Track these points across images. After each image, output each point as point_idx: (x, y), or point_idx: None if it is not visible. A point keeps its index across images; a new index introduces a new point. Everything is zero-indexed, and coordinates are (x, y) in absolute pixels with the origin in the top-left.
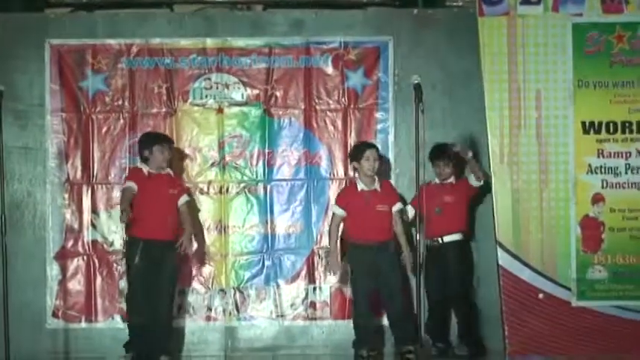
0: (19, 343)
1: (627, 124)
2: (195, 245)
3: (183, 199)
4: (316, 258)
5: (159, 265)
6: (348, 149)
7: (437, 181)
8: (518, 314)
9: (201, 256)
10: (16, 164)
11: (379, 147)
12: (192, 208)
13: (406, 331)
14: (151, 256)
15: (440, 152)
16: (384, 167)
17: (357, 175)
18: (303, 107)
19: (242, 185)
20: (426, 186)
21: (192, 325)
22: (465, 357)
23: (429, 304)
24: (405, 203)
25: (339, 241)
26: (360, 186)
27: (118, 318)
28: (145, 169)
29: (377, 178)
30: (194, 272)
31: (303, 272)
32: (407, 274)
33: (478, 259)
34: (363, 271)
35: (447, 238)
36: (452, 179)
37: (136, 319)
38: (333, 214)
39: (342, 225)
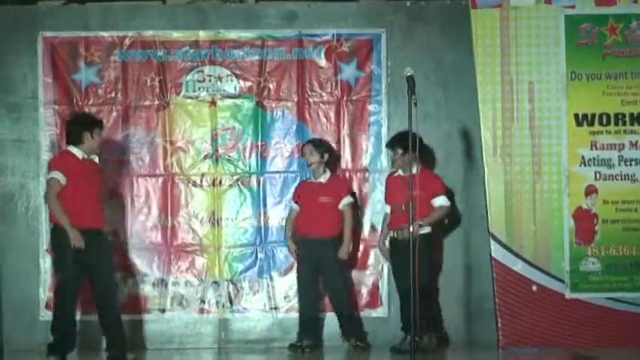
0: (13, 335)
1: (620, 116)
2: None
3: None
4: None
5: (95, 256)
6: (342, 141)
7: (400, 172)
8: (511, 306)
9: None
10: (10, 157)
11: (372, 139)
12: None
13: (351, 325)
14: (88, 246)
15: (397, 141)
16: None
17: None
18: (296, 99)
19: (235, 177)
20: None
21: (185, 317)
22: (429, 350)
23: (399, 296)
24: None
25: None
26: (311, 179)
27: None
28: (80, 153)
29: (326, 172)
30: (187, 265)
31: (296, 264)
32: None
33: (471, 251)
34: (305, 265)
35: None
36: (414, 170)
37: (69, 313)
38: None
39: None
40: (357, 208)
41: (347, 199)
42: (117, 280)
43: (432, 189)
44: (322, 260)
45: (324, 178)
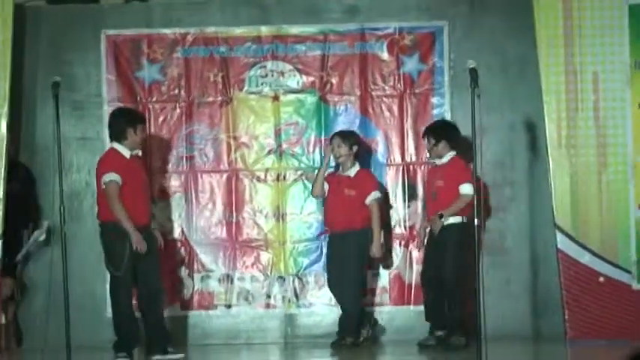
0: (79, 332)
1: None
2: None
3: None
4: None
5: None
6: (405, 135)
7: (436, 162)
8: (578, 298)
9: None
10: (74, 154)
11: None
12: None
13: (350, 323)
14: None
15: (428, 130)
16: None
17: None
18: (358, 94)
19: (299, 172)
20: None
21: (251, 312)
22: (460, 347)
23: (427, 290)
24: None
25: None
26: (340, 172)
27: (177, 306)
28: (125, 151)
29: (355, 165)
30: (253, 260)
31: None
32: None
33: (536, 244)
34: (330, 259)
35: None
36: (445, 159)
37: (126, 310)
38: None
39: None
40: (386, 204)
41: (374, 194)
42: (162, 279)
43: (457, 178)
44: (344, 253)
45: (352, 172)
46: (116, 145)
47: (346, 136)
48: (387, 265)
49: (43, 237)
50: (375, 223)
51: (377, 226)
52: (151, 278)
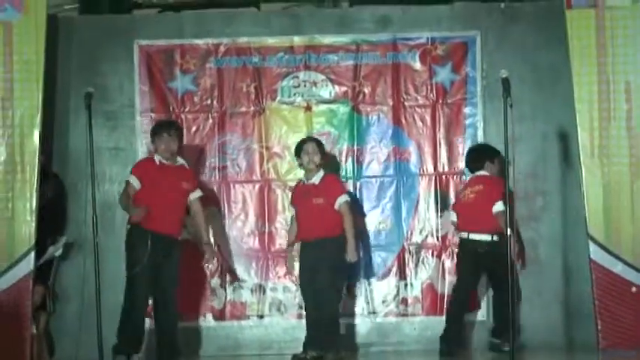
0: (111, 343)
1: None
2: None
3: (195, 194)
4: (407, 254)
5: (162, 261)
6: (437, 145)
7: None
8: (611, 308)
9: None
10: (107, 165)
11: (468, 141)
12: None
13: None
14: (158, 250)
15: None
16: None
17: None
18: (391, 103)
19: None
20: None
21: (283, 322)
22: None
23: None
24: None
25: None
26: (304, 181)
27: (210, 316)
28: (157, 158)
29: (319, 172)
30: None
31: (394, 268)
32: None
33: (569, 253)
34: (305, 269)
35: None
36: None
37: (135, 314)
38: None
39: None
40: (356, 206)
41: (342, 198)
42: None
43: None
44: (318, 262)
45: (317, 179)
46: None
47: (320, 143)
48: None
49: (59, 252)
50: (348, 226)
51: (350, 230)
52: (167, 288)
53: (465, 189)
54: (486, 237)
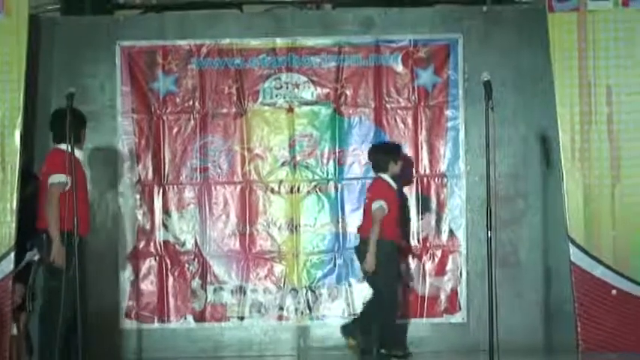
0: (92, 343)
1: None
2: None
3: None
4: None
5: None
6: (419, 147)
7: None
8: (591, 311)
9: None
10: (88, 166)
11: (450, 144)
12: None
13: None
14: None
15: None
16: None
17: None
18: (373, 106)
19: (313, 184)
20: None
21: (264, 324)
22: None
23: None
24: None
25: None
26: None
27: (190, 318)
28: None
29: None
30: (266, 272)
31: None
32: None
33: (549, 256)
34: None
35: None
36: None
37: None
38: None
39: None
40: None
41: (377, 202)
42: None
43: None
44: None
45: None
46: (61, 145)
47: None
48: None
49: (36, 257)
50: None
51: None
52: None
53: None
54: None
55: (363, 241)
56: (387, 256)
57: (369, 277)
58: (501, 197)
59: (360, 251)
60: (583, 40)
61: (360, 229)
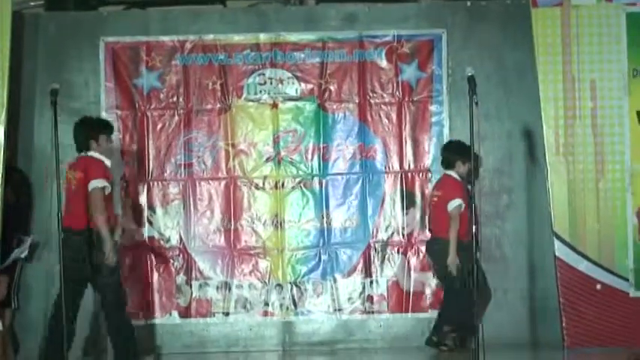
0: (79, 340)
1: None
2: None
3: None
4: (372, 252)
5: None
6: (403, 142)
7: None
8: (575, 306)
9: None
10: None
11: (434, 139)
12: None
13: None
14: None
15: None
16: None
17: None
18: (357, 101)
19: (297, 180)
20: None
21: (249, 320)
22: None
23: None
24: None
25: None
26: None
27: (175, 314)
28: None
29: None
30: (251, 267)
31: (360, 266)
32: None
33: (534, 251)
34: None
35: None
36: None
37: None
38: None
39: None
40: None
41: (454, 202)
42: None
43: None
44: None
45: None
46: (93, 153)
47: None
48: None
49: (25, 253)
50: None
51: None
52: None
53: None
54: None
55: (438, 240)
56: (463, 255)
57: (446, 277)
58: (486, 192)
59: (435, 251)
60: (567, 36)
61: (434, 229)
